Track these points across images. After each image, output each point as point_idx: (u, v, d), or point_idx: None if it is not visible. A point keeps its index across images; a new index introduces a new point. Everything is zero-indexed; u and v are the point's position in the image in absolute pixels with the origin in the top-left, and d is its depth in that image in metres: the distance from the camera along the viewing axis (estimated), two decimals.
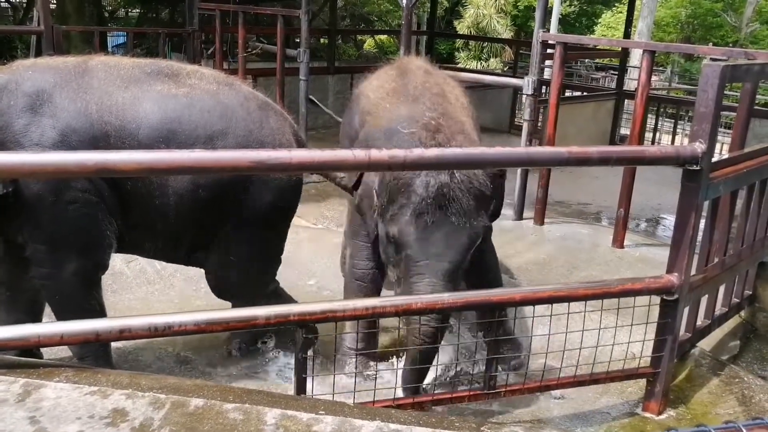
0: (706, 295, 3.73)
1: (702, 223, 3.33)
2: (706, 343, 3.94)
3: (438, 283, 3.17)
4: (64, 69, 3.34)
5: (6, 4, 16.79)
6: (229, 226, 3.57)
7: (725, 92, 3.18)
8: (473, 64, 19.38)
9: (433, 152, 2.75)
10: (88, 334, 2.49)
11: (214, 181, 3.38)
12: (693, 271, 3.34)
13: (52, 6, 8.74)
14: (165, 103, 3.36)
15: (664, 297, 3.26)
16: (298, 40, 9.63)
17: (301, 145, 3.86)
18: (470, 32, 19.87)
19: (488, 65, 19.54)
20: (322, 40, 12.53)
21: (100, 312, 3.48)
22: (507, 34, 20.60)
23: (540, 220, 6.13)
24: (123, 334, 2.50)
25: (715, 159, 3.24)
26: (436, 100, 3.74)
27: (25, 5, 15.69)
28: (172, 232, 3.51)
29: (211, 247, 3.64)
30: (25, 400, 2.07)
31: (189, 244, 3.63)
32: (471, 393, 3.18)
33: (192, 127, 3.36)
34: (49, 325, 2.57)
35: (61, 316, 3.40)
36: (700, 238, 3.38)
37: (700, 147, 3.04)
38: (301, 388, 2.80)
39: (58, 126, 3.16)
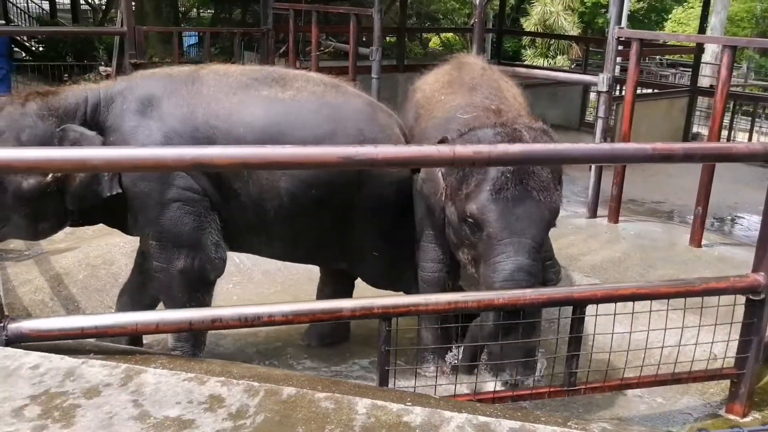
0: None
1: None
2: None
3: (523, 261, 3.02)
4: (176, 77, 3.53)
5: (86, 6, 17.34)
6: (355, 225, 3.66)
7: None
8: (540, 62, 19.17)
9: (517, 147, 2.76)
10: (182, 323, 2.58)
11: (327, 183, 3.46)
12: None
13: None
14: (271, 107, 3.46)
15: (750, 296, 3.19)
16: (365, 39, 9.70)
17: (408, 140, 3.84)
18: (537, 29, 19.65)
19: (555, 62, 19.31)
20: (388, 39, 12.59)
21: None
22: (574, 31, 20.28)
23: (614, 218, 6.04)
24: (214, 324, 2.58)
25: None
26: (493, 92, 3.73)
27: (104, 7, 16.21)
28: (289, 234, 3.61)
29: (347, 247, 3.75)
30: (128, 384, 2.16)
31: (309, 245, 3.75)
32: (551, 389, 3.16)
33: (299, 129, 3.42)
34: (146, 314, 2.68)
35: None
36: None
37: None
38: (384, 380, 2.83)
39: (164, 129, 3.34)
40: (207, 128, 3.36)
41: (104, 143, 3.29)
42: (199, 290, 3.55)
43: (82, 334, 2.48)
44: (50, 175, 3.14)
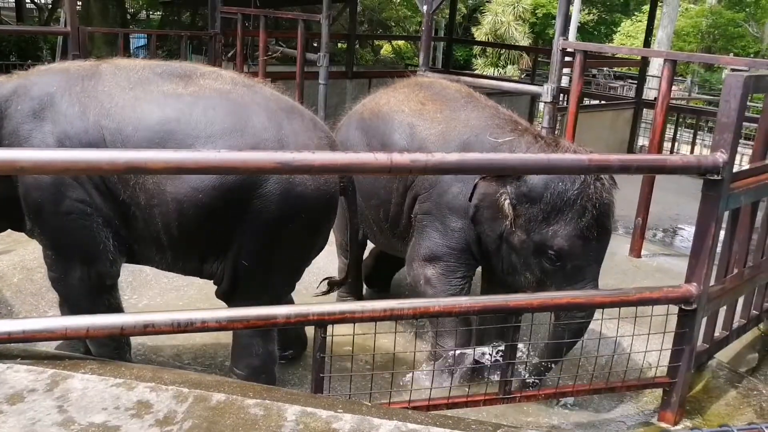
0: (725, 306, 3.72)
1: (722, 233, 3.34)
2: (724, 355, 3.93)
3: (595, 282, 3.52)
4: (73, 72, 3.29)
5: (31, 5, 17.01)
6: (240, 236, 3.30)
7: (746, 103, 3.18)
8: (490, 71, 19.39)
9: (454, 157, 2.78)
10: (113, 329, 2.53)
11: (216, 188, 3.16)
12: (712, 282, 3.34)
13: (77, 8, 8.85)
14: (166, 103, 3.21)
15: (683, 307, 3.26)
16: (316, 45, 9.71)
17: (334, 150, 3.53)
18: (488, 39, 19.85)
19: (505, 72, 19.55)
20: (339, 45, 12.62)
21: (116, 310, 3.46)
22: (525, 42, 20.58)
23: None
24: (146, 330, 2.53)
25: (736, 169, 3.24)
26: (489, 108, 4.00)
27: (50, 6, 15.91)
28: (178, 244, 3.35)
29: (221, 259, 3.41)
30: (53, 390, 2.11)
31: (200, 256, 3.44)
32: (486, 397, 3.19)
33: (191, 125, 3.16)
34: (75, 319, 2.61)
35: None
36: (719, 248, 3.38)
37: (721, 157, 3.05)
38: (318, 387, 2.83)
39: (56, 131, 3.13)
40: (97, 129, 3.13)
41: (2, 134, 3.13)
42: (102, 295, 3.38)
43: (9, 338, 2.41)
44: None
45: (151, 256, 3.48)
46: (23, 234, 3.62)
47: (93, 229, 3.21)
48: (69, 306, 3.47)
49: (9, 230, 4.26)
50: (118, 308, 3.51)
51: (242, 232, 3.29)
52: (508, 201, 3.48)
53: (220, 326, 2.63)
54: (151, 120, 3.16)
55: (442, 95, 4.10)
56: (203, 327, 2.60)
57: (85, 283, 3.31)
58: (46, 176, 3.03)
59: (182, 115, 3.19)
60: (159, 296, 4.70)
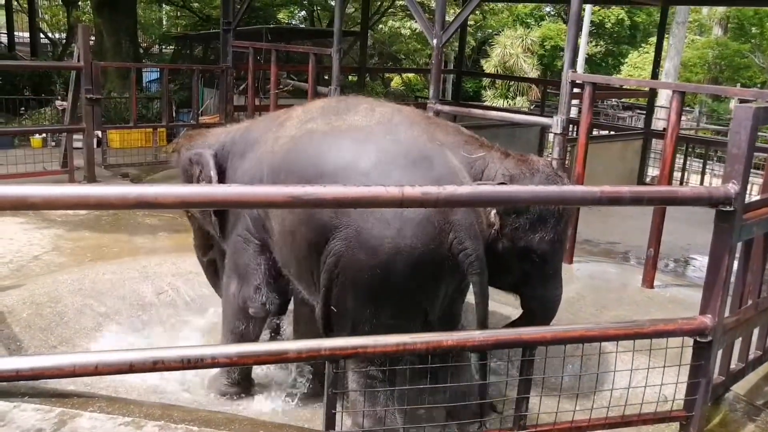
0: (740, 338, 3.67)
1: (736, 264, 3.30)
2: (741, 387, 3.86)
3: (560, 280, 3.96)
4: (272, 117, 3.88)
5: (45, 41, 17.25)
6: (324, 277, 3.12)
7: (756, 134, 3.16)
8: (500, 103, 19.44)
9: (465, 189, 2.77)
10: (121, 365, 2.50)
11: (305, 222, 3.12)
12: (726, 313, 3.29)
13: (91, 42, 8.97)
14: (301, 139, 3.32)
15: (698, 339, 3.21)
16: (327, 78, 9.79)
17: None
18: (497, 71, 19.96)
19: (514, 104, 19.59)
20: (350, 78, 12.70)
21: (245, 339, 3.74)
22: (533, 74, 20.66)
23: (568, 258, 6.08)
24: (156, 366, 2.50)
25: (748, 200, 3.21)
26: (450, 128, 4.10)
27: (64, 41, 16.14)
28: (302, 278, 3.37)
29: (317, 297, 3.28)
30: (61, 429, 2.09)
31: (309, 293, 3.42)
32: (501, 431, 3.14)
33: (330, 161, 3.13)
34: (84, 355, 2.60)
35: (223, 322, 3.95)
36: (733, 279, 3.34)
37: (733, 188, 3.02)
38: (330, 423, 2.79)
39: (243, 167, 3.70)
40: (259, 165, 3.52)
41: (225, 175, 3.81)
42: (241, 319, 3.75)
43: (18, 376, 2.39)
44: None
45: (293, 287, 3.66)
46: (33, 268, 3.66)
47: (251, 253, 3.67)
48: (223, 313, 3.96)
49: (18, 265, 4.31)
50: (253, 338, 3.80)
51: (325, 273, 3.11)
52: (494, 211, 3.57)
53: (230, 362, 2.61)
54: (295, 158, 3.31)
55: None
56: (213, 363, 2.57)
57: (235, 299, 3.77)
58: None
59: (321, 151, 3.21)
60: (168, 331, 4.68)
